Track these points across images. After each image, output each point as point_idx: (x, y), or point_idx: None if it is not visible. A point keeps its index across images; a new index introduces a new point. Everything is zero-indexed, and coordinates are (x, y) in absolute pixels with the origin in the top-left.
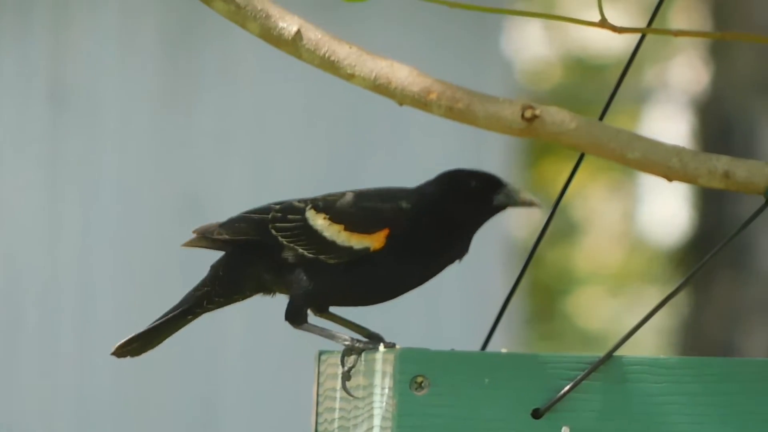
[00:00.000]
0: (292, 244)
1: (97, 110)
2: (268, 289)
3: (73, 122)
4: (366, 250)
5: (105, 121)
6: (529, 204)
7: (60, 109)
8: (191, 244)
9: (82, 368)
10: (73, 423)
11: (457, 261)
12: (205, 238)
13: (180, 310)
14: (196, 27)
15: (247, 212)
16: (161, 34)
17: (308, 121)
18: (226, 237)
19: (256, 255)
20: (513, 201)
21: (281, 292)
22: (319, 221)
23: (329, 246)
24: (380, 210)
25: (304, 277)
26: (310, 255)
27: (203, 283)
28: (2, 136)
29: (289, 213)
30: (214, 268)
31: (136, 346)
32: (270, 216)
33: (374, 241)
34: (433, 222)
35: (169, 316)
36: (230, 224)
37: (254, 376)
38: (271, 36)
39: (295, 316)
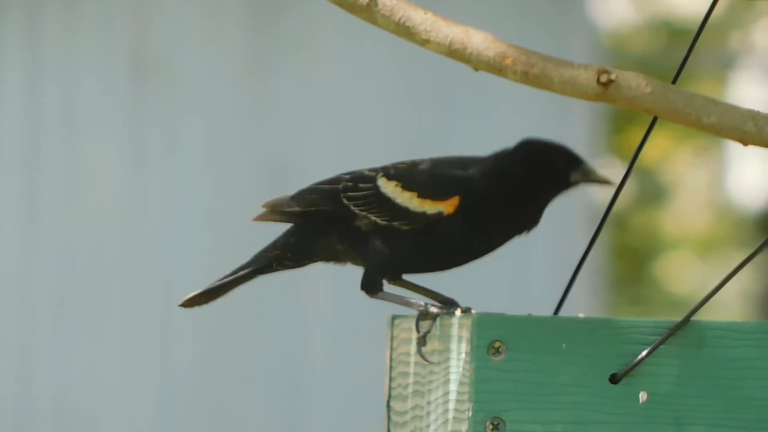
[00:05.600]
0: (364, 213)
1: (180, 81)
2: (338, 259)
3: (156, 94)
4: (439, 215)
5: (188, 92)
6: (603, 182)
7: (143, 82)
8: (262, 218)
9: (166, 344)
10: (157, 396)
11: (525, 232)
12: (275, 211)
13: (249, 269)
14: None
15: (316, 183)
16: (244, 3)
17: (391, 88)
18: (297, 209)
19: (328, 225)
20: (589, 179)
21: (352, 262)
22: (390, 188)
23: (402, 213)
24: (453, 177)
25: (378, 245)
26: (383, 222)
27: (274, 246)
28: (86, 110)
29: (360, 182)
30: (287, 234)
31: (204, 298)
32: (341, 186)
33: (447, 206)
34: (506, 192)
35: (239, 274)
36: (300, 196)
37: (338, 342)
38: (346, 2)
39: (370, 286)
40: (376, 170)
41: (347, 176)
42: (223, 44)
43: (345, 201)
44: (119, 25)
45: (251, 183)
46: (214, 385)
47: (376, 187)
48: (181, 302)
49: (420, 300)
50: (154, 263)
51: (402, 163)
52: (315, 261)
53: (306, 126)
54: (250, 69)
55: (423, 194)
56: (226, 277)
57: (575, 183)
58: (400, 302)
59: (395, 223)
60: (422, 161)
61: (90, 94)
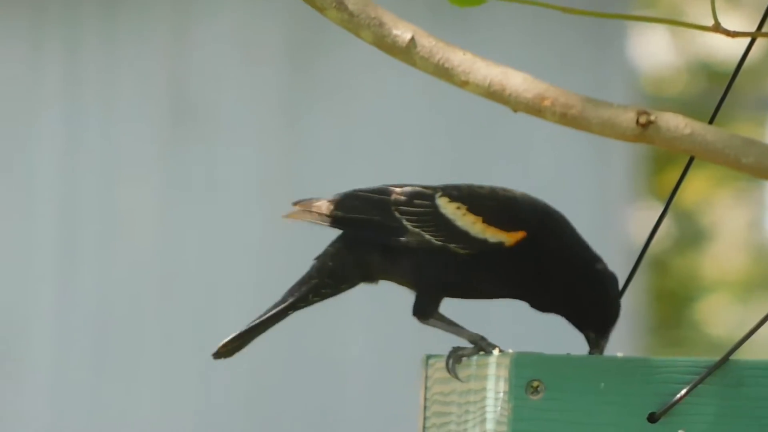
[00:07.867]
0: (418, 230)
1: (218, 124)
2: (372, 278)
3: (194, 138)
4: (499, 245)
5: (226, 136)
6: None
7: (181, 124)
8: (295, 216)
9: (201, 396)
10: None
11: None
12: (310, 212)
13: (284, 305)
14: (318, 37)
15: (360, 190)
16: (282, 45)
17: (429, 130)
18: (339, 214)
19: (372, 239)
20: (592, 346)
21: (389, 279)
22: (450, 209)
23: (461, 236)
24: (524, 212)
25: (430, 266)
26: (438, 242)
27: (310, 276)
28: (123, 153)
29: (416, 198)
30: (322, 258)
31: (239, 342)
32: (392, 198)
33: (510, 237)
34: (555, 261)
35: (273, 312)
36: (344, 201)
37: (373, 384)
38: (384, 44)
39: (426, 310)
40: (432, 188)
41: (398, 189)
42: (262, 87)
43: (397, 214)
44: (157, 69)
45: (291, 227)
46: (247, 424)
47: (435, 206)
48: (214, 351)
49: (470, 332)
50: (192, 310)
51: (455, 187)
52: (354, 284)
53: (345, 168)
54: (289, 111)
55: (489, 221)
56: (259, 317)
57: (588, 337)
58: (452, 330)
59: (451, 245)
60: (482, 187)
61: (128, 139)
